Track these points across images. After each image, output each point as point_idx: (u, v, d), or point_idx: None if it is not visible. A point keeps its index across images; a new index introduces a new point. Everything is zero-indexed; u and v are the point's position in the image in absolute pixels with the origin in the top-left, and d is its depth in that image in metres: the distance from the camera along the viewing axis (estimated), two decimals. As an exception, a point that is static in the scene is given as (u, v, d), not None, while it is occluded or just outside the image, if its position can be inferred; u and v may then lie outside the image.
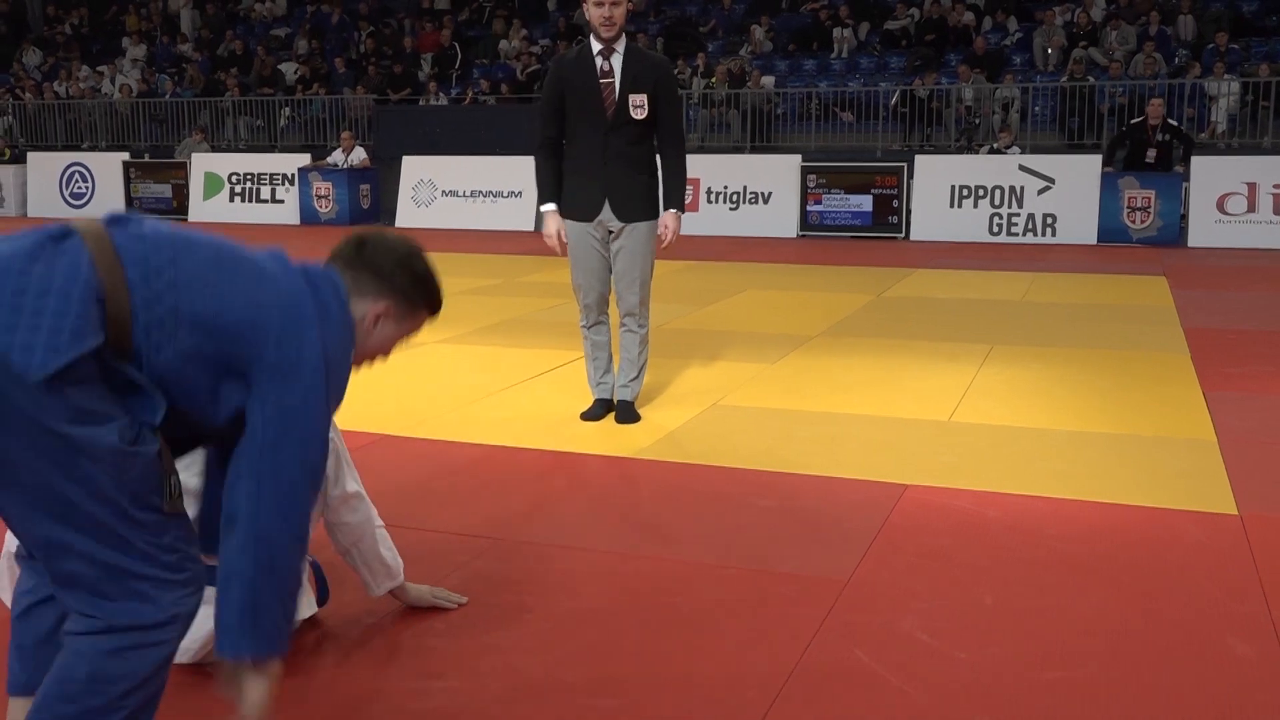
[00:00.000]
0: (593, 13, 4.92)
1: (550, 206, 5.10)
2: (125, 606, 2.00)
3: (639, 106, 4.96)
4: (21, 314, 1.87)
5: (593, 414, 5.25)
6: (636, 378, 5.25)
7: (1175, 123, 13.73)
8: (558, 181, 5.11)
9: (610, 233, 5.07)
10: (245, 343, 2.06)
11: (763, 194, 14.59)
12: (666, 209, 5.11)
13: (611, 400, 5.31)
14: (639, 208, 5.04)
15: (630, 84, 4.95)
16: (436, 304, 2.43)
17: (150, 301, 1.99)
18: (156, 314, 1.99)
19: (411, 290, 2.36)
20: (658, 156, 5.12)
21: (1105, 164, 13.35)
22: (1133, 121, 13.80)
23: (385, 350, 2.42)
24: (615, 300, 5.19)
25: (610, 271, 5.13)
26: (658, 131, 5.06)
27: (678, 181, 5.10)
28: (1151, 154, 13.18)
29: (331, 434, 2.93)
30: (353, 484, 3.11)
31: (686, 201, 5.24)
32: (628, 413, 5.22)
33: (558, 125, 5.09)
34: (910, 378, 6.09)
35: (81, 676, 2.00)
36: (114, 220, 2.08)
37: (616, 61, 4.97)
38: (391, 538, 3.12)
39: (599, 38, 4.97)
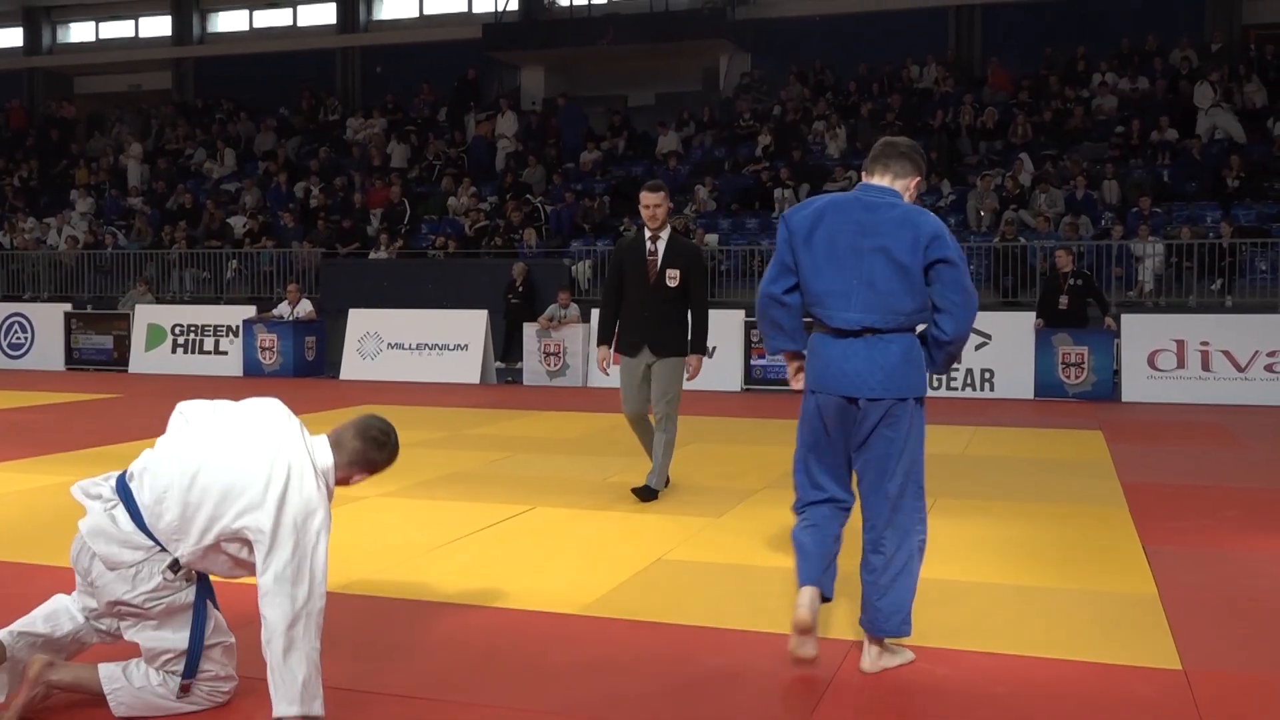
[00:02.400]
0: (642, 212, 6.73)
1: (603, 346, 6.92)
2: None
3: (672, 278, 6.72)
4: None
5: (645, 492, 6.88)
6: (662, 467, 6.87)
7: (1088, 271, 14.31)
8: (611, 329, 6.88)
9: (648, 365, 6.73)
10: None
11: (708, 349, 14.75)
12: (691, 352, 6.81)
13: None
14: (668, 347, 6.75)
15: (668, 261, 6.74)
16: None
17: None
18: None
19: None
20: (688, 313, 6.82)
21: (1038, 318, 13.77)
22: (1045, 275, 14.42)
23: None
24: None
25: (646, 392, 6.77)
26: (689, 296, 6.78)
27: (700, 333, 6.85)
28: (1064, 300, 13.62)
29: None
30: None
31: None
32: (649, 494, 6.80)
33: (618, 287, 6.84)
34: (855, 531, 6.08)
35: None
36: None
37: (660, 245, 6.76)
38: (326, 700, 3.01)
39: (648, 227, 6.72)
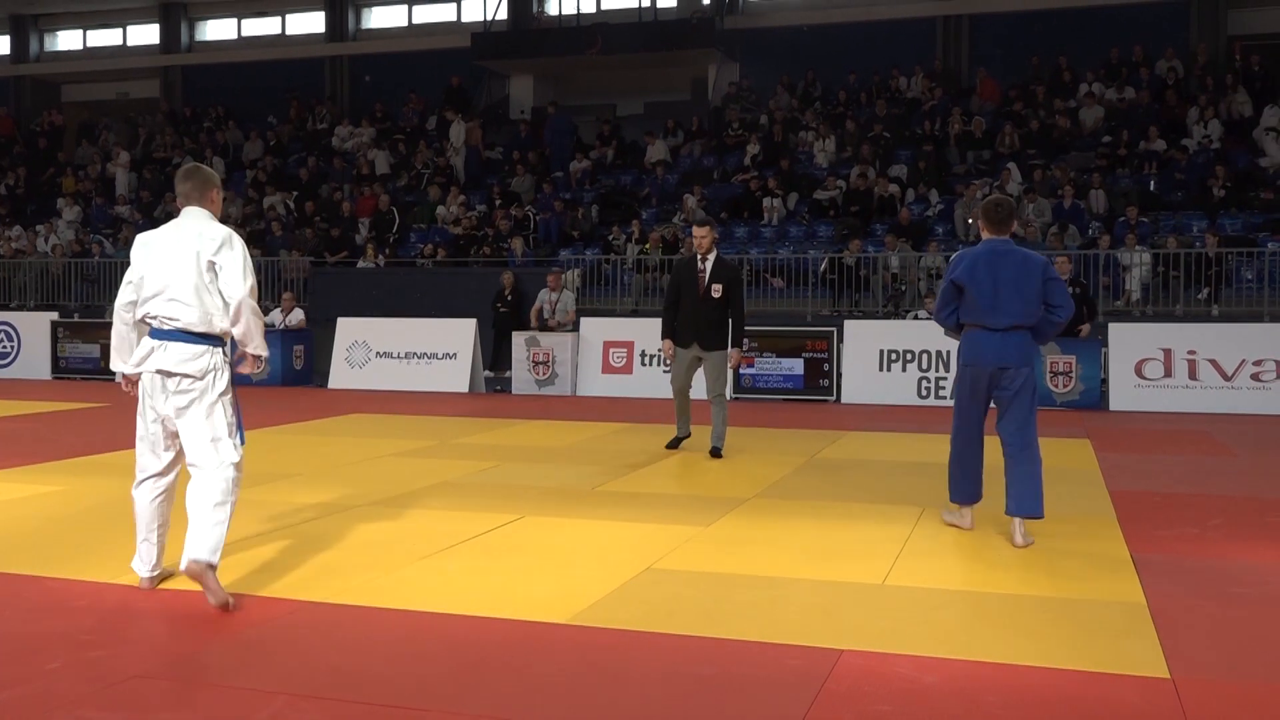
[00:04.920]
0: (693, 241, 8.99)
1: (667, 341, 9.14)
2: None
3: (717, 290, 8.89)
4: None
5: (674, 444, 9.35)
6: (721, 434, 9.07)
7: (1084, 281, 14.29)
8: (672, 328, 9.08)
9: (698, 357, 8.99)
10: None
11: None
12: (732, 346, 9.02)
13: (687, 436, 9.35)
14: (715, 342, 8.95)
15: (714, 278, 8.90)
16: None
17: None
18: None
19: None
20: (729, 319, 8.98)
21: None
22: None
23: None
24: (705, 388, 9.14)
25: (691, 374, 9.10)
26: (729, 303, 8.92)
27: (739, 330, 9.07)
28: None
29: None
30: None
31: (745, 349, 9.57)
32: (717, 454, 9.00)
33: (676, 296, 9.05)
34: (844, 540, 6.10)
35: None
36: None
37: (708, 265, 8.94)
38: (317, 710, 3.00)
39: (697, 251, 8.94)
